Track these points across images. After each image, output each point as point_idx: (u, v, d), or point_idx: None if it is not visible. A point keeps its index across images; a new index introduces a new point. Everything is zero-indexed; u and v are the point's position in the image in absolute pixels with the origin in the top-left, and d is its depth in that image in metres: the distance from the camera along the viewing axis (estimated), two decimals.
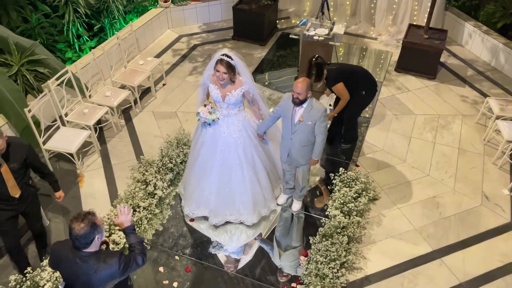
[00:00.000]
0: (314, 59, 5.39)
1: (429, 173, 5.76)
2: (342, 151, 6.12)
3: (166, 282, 4.54)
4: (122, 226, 3.29)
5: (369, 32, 8.63)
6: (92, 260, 2.99)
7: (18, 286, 4.11)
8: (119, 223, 3.27)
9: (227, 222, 5.05)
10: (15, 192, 4.05)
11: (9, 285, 4.11)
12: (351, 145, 6.15)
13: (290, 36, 7.57)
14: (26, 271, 4.17)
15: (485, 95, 6.94)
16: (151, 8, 8.27)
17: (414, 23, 7.84)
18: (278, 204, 5.28)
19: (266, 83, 7.24)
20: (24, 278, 4.14)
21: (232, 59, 4.38)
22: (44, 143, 5.48)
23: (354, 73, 5.56)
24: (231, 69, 4.39)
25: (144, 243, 3.32)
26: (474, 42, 7.89)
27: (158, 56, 7.83)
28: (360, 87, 5.52)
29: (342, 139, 6.16)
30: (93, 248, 2.99)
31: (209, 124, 4.64)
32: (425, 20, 7.46)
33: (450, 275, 4.64)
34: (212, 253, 4.86)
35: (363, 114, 6.58)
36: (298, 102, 4.37)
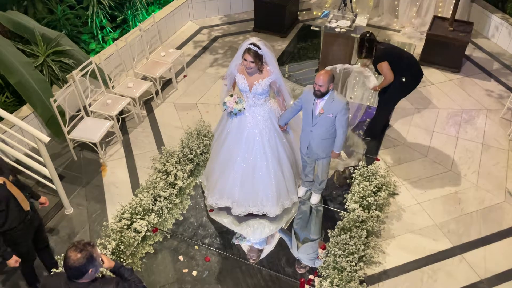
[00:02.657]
0: (367, 35, 5.45)
1: (451, 168, 5.75)
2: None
3: (185, 270, 4.61)
4: (110, 268, 3.14)
5: (392, 24, 8.58)
6: None
7: None
8: (107, 267, 3.12)
9: (250, 214, 5.08)
10: (25, 205, 3.83)
11: None
12: (370, 139, 6.17)
13: (311, 28, 7.48)
14: None
15: (511, 90, 6.90)
16: (173, 0, 8.30)
17: (439, 15, 7.79)
18: (297, 197, 5.30)
19: (286, 75, 7.23)
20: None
21: (260, 48, 4.38)
22: (68, 132, 5.57)
23: (401, 57, 5.54)
24: (258, 58, 4.39)
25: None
26: (501, 34, 7.81)
27: (179, 47, 7.89)
28: (402, 73, 5.50)
29: (364, 129, 6.24)
30: (86, 279, 2.89)
31: (235, 114, 4.67)
32: (450, 12, 7.40)
33: (470, 272, 4.62)
34: (236, 243, 4.91)
35: None
36: (319, 95, 4.35)
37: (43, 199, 4.24)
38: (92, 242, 2.94)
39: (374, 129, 6.14)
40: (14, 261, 3.79)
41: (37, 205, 4.22)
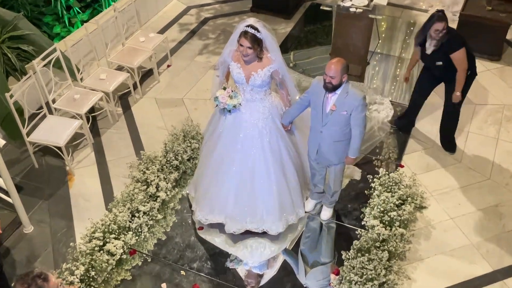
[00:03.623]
0: (440, 12, 5.24)
1: (491, 176, 5.72)
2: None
3: None
4: None
5: (418, 2, 8.59)
6: None
7: None
8: None
9: (247, 232, 5.06)
10: None
11: None
12: (450, 152, 6.09)
13: (321, 8, 7.55)
14: None
15: None
16: None
17: None
18: (305, 211, 5.26)
19: (292, 64, 7.23)
20: None
21: (259, 31, 4.37)
22: (28, 134, 5.54)
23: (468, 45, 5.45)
24: (257, 43, 4.38)
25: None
26: None
27: (162, 32, 7.90)
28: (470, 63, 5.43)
29: (443, 142, 6.12)
30: None
31: (229, 111, 4.64)
32: None
33: None
34: (230, 267, 4.89)
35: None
36: (331, 88, 4.32)
37: None
38: (43, 274, 2.79)
39: (453, 134, 6.09)
40: None
41: None
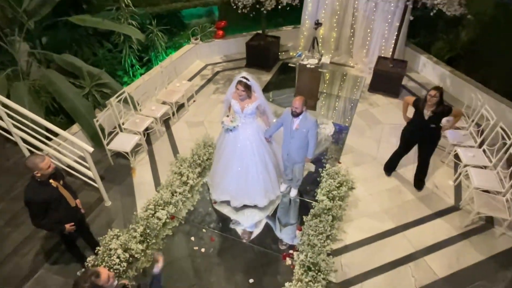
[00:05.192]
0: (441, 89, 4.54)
1: (395, 168, 5.66)
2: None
3: (196, 248, 4.59)
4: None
5: (348, 62, 8.58)
6: None
7: (94, 262, 4.13)
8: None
9: (244, 205, 5.02)
10: (72, 202, 3.78)
11: (87, 263, 4.10)
12: (418, 190, 5.31)
13: (289, 64, 7.59)
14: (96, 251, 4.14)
15: None
16: (185, 45, 8.28)
17: (382, 55, 7.80)
18: (280, 192, 5.24)
19: (271, 100, 7.19)
20: (96, 256, 4.15)
21: (249, 80, 4.37)
22: (107, 144, 5.53)
23: None
24: (248, 88, 4.37)
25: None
26: (427, 70, 7.84)
27: (190, 80, 7.82)
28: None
29: (417, 183, 5.30)
30: None
31: (231, 130, 4.61)
32: (391, 53, 7.44)
33: (408, 245, 4.63)
34: (233, 227, 4.86)
35: (344, 123, 6.52)
36: (295, 114, 4.33)
37: (78, 202, 3.96)
38: (95, 273, 2.47)
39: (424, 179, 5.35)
40: (69, 226, 3.76)
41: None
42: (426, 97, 4.56)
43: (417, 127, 4.81)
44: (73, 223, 3.78)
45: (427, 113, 4.63)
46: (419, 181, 5.32)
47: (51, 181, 3.56)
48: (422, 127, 4.73)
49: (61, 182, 3.70)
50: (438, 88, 4.50)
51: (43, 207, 3.50)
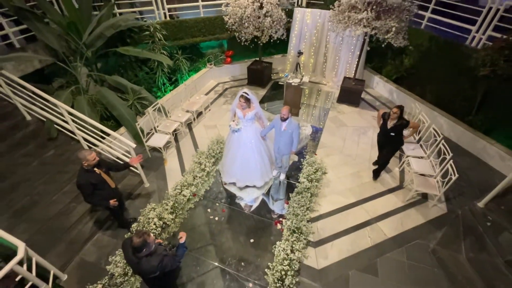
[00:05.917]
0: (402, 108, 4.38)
1: (355, 159, 5.63)
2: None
3: (211, 217, 4.60)
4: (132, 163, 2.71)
5: (322, 81, 8.48)
6: (142, 260, 2.65)
7: (137, 228, 4.14)
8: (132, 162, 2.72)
9: (246, 186, 5.02)
10: (112, 184, 3.73)
11: (132, 228, 4.09)
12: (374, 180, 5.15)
13: (278, 83, 7.53)
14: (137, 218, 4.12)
15: None
16: (202, 68, 8.19)
17: (347, 76, 7.74)
18: (272, 175, 5.25)
19: (265, 109, 7.12)
20: (138, 224, 4.15)
21: (248, 94, 4.37)
22: (146, 141, 5.50)
23: None
24: (247, 100, 4.37)
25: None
26: (380, 86, 7.77)
27: (206, 94, 7.75)
28: None
29: (375, 173, 5.13)
30: (143, 254, 2.62)
31: (236, 131, 4.61)
32: (353, 74, 7.40)
33: (365, 214, 4.64)
34: (237, 202, 4.86)
35: (319, 126, 6.49)
36: (283, 119, 4.35)
37: (130, 161, 3.90)
38: (147, 232, 2.65)
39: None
40: (113, 201, 3.73)
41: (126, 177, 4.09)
42: (390, 113, 4.53)
43: (383, 133, 4.78)
44: (115, 199, 3.77)
45: (390, 124, 4.57)
46: (376, 173, 5.20)
47: (95, 169, 3.56)
48: (386, 134, 4.69)
49: (103, 169, 3.68)
50: (399, 107, 4.41)
51: (90, 188, 3.50)
